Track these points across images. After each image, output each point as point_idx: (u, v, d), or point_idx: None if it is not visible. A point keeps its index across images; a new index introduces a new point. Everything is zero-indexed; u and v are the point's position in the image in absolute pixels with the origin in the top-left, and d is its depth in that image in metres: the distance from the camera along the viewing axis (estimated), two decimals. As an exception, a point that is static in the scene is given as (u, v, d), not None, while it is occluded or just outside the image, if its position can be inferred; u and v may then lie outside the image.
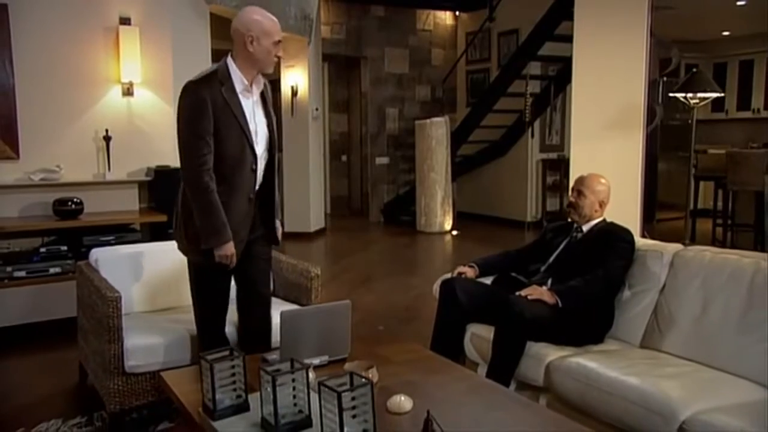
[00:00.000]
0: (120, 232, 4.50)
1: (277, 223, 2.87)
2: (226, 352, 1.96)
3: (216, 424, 1.89)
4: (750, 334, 2.49)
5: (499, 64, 9.27)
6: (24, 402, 3.26)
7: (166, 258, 3.23)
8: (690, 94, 4.70)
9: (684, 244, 3.06)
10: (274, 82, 6.70)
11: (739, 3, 7.25)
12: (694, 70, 5.62)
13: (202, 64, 5.02)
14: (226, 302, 2.81)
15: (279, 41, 2.58)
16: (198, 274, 2.73)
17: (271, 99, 2.78)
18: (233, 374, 1.94)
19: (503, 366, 2.78)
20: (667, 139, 7.27)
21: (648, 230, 4.58)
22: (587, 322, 2.88)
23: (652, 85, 4.74)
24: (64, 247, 4.31)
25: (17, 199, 4.37)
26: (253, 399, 1.94)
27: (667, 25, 6.62)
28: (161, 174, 4.64)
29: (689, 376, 2.42)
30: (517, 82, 8.51)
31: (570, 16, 4.77)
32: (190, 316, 2.84)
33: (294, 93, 8.08)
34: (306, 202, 8.15)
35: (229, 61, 2.57)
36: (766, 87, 9.04)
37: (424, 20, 9.92)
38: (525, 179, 8.83)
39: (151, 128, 4.82)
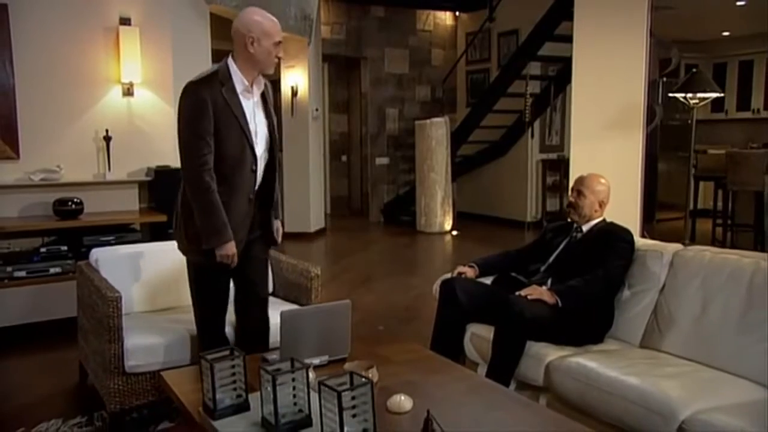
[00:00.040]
0: (120, 232, 4.50)
1: (278, 223, 2.88)
2: (227, 352, 1.96)
3: (216, 424, 1.89)
4: (750, 333, 2.49)
5: (499, 65, 9.27)
6: (24, 402, 3.26)
7: (166, 258, 3.24)
8: (690, 94, 4.70)
9: (684, 244, 3.06)
10: (274, 83, 6.69)
11: (738, 3, 7.26)
12: (694, 70, 5.62)
13: (202, 64, 5.02)
14: (226, 302, 2.81)
15: (279, 42, 2.59)
16: (197, 274, 2.73)
17: (272, 99, 2.78)
18: (233, 374, 1.94)
19: (503, 366, 2.78)
20: (666, 139, 7.27)
21: (648, 230, 4.59)
22: (587, 322, 2.88)
23: (651, 86, 4.74)
24: (65, 247, 4.31)
25: (17, 199, 4.38)
26: (254, 398, 1.94)
27: (666, 25, 6.62)
28: (161, 174, 4.64)
29: (689, 376, 2.43)
30: (517, 83, 8.51)
31: (570, 17, 4.77)
32: (190, 316, 2.84)
33: (294, 93, 8.08)
34: (306, 202, 8.15)
35: (230, 61, 2.57)
36: (766, 87, 9.04)
37: (424, 20, 9.92)
38: (525, 179, 8.83)
39: (151, 128, 4.83)
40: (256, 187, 2.68)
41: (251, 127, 2.59)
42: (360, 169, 9.98)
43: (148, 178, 4.78)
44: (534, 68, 8.59)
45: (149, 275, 3.32)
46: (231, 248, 2.57)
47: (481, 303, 3.04)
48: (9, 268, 4.12)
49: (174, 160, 4.51)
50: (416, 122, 8.74)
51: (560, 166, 8.65)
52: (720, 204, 7.19)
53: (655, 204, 6.78)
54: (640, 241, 3.11)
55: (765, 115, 9.05)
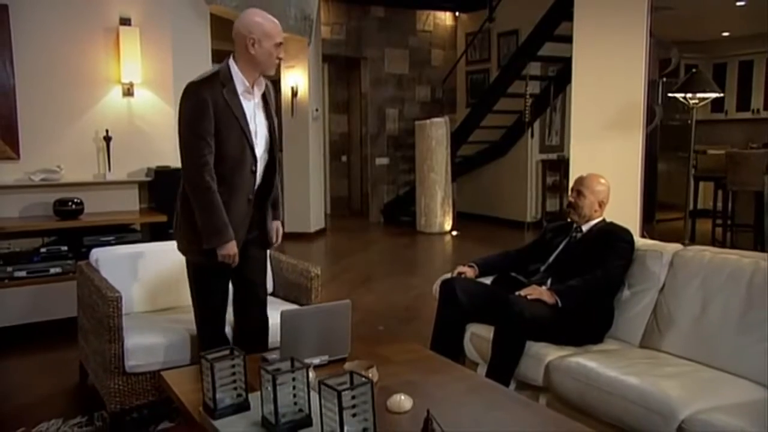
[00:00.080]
0: (120, 233, 4.50)
1: (278, 224, 2.88)
2: (227, 352, 1.96)
3: (216, 423, 1.90)
4: (749, 333, 2.49)
5: (499, 65, 9.27)
6: (24, 402, 3.26)
7: (166, 258, 3.24)
8: (689, 95, 4.70)
9: (683, 244, 3.06)
10: (274, 83, 6.69)
11: (738, 3, 7.26)
12: (694, 70, 5.62)
13: (202, 64, 5.02)
14: (225, 302, 2.82)
15: (280, 43, 2.59)
16: (197, 275, 2.74)
17: (274, 101, 2.78)
18: (233, 373, 1.94)
19: (503, 366, 2.78)
20: (666, 139, 7.26)
21: (648, 230, 4.59)
22: (587, 321, 2.88)
23: (651, 86, 4.74)
24: (65, 247, 4.32)
25: (18, 199, 4.38)
26: (254, 398, 1.94)
27: (666, 26, 6.62)
28: (161, 174, 4.65)
29: (689, 376, 2.43)
30: (517, 83, 8.52)
31: (570, 17, 4.77)
32: (190, 316, 2.84)
33: (294, 93, 8.09)
34: (306, 203, 8.16)
35: (231, 62, 2.58)
36: (766, 87, 9.04)
37: (424, 21, 9.93)
38: (525, 180, 8.84)
39: (151, 128, 4.83)
40: (256, 188, 2.69)
41: (251, 127, 2.60)
42: (360, 170, 9.99)
43: (149, 179, 4.78)
44: (534, 68, 8.59)
45: (149, 275, 3.32)
46: (232, 248, 2.58)
47: (481, 303, 3.05)
48: (9, 268, 4.12)
49: (174, 161, 4.51)
50: (416, 122, 8.75)
51: (560, 166, 8.65)
52: (720, 204, 7.19)
53: (655, 204, 6.78)
54: (639, 241, 3.12)
55: (765, 115, 9.05)
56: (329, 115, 9.98)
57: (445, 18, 10.15)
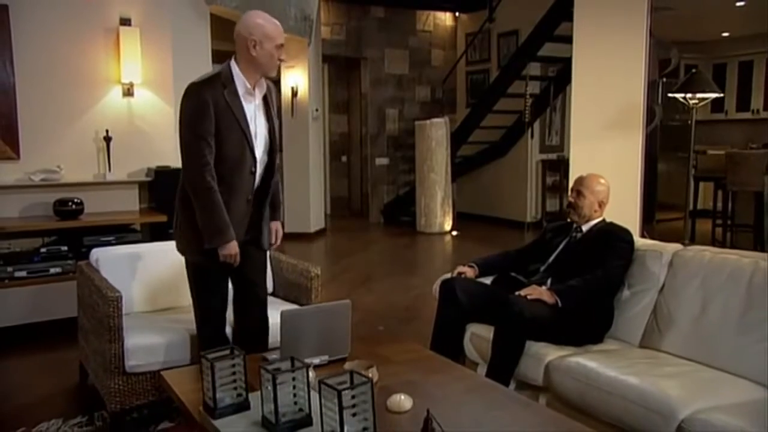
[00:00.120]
0: (120, 233, 4.51)
1: (278, 224, 2.88)
2: (227, 351, 1.97)
3: (217, 423, 1.90)
4: (749, 333, 2.49)
5: (499, 65, 9.28)
6: (25, 402, 3.27)
7: (166, 258, 3.24)
8: (689, 95, 4.70)
9: (683, 244, 3.07)
10: (275, 83, 6.70)
11: (738, 4, 7.26)
12: (694, 70, 5.62)
13: (202, 64, 5.03)
14: (225, 302, 2.82)
15: (282, 45, 2.60)
16: (196, 275, 2.74)
17: (276, 102, 2.79)
18: (234, 373, 1.94)
19: (503, 365, 2.78)
20: (666, 139, 7.27)
21: (647, 230, 4.59)
22: (587, 321, 2.89)
23: (651, 86, 4.74)
24: (65, 248, 4.32)
25: (18, 199, 4.38)
26: (254, 398, 1.94)
27: (666, 26, 6.62)
28: (161, 174, 4.65)
29: (688, 376, 2.43)
30: (517, 83, 8.52)
31: (570, 17, 4.77)
32: (190, 316, 2.85)
33: (294, 94, 8.09)
34: (306, 203, 8.16)
35: (233, 64, 2.59)
36: (766, 88, 9.04)
37: (423, 21, 9.93)
38: (525, 180, 8.84)
39: (151, 129, 4.83)
40: (255, 189, 2.70)
41: (251, 129, 2.61)
42: (360, 170, 9.99)
43: (149, 179, 4.78)
44: (534, 69, 8.60)
45: (149, 275, 3.33)
46: (234, 248, 2.59)
47: (480, 303, 3.05)
48: (9, 268, 4.12)
49: (174, 161, 4.52)
50: (416, 123, 8.75)
51: (560, 166, 8.66)
52: (720, 204, 7.19)
53: (655, 204, 6.78)
54: (639, 241, 3.12)
55: (765, 115, 9.05)
56: (329, 115, 9.98)
57: (445, 18, 10.15)
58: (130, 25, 4.67)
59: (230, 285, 2.84)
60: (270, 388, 1.79)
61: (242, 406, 1.95)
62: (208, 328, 2.79)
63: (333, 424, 1.62)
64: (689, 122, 4.88)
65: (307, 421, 1.84)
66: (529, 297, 2.83)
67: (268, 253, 3.00)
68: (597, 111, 4.49)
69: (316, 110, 8.31)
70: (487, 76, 9.64)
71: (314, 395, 1.78)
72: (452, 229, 8.58)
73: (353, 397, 1.62)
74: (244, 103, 2.58)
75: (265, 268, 2.98)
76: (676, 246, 2.98)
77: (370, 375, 2.01)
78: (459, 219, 8.86)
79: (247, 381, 1.96)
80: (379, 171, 9.79)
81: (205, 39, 5.31)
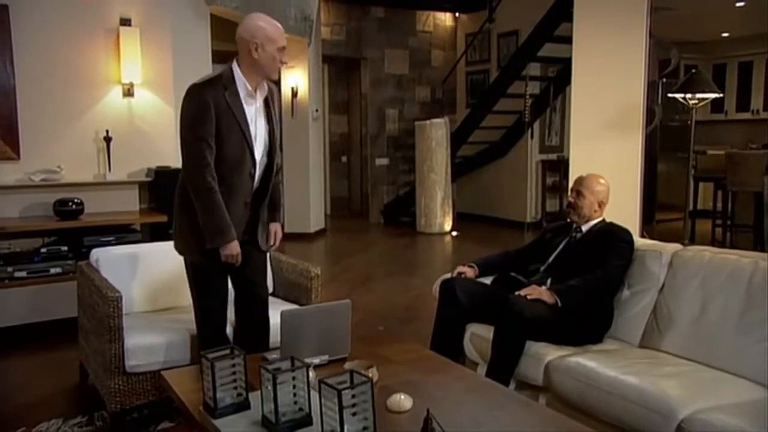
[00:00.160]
0: (120, 233, 4.51)
1: (276, 226, 2.88)
2: (227, 351, 1.97)
3: (217, 423, 1.90)
4: (749, 333, 2.49)
5: (499, 65, 9.28)
6: (25, 402, 3.27)
7: (166, 258, 3.23)
8: (689, 95, 4.70)
9: (683, 244, 3.07)
10: (275, 84, 6.70)
11: (738, 4, 7.26)
12: (693, 70, 5.63)
13: (202, 65, 5.04)
14: (225, 302, 2.83)
15: (283, 47, 2.61)
16: (196, 275, 2.75)
17: (278, 105, 2.79)
18: (234, 373, 1.95)
19: (503, 365, 2.78)
20: (666, 139, 7.27)
21: (647, 231, 4.59)
22: (586, 321, 2.89)
23: (651, 86, 4.74)
24: (65, 248, 4.32)
25: (18, 199, 4.38)
26: (254, 397, 1.94)
27: (666, 26, 6.63)
28: (162, 174, 4.65)
29: (688, 376, 2.43)
30: (517, 83, 8.52)
31: (569, 18, 4.78)
32: (191, 316, 2.85)
33: (294, 94, 8.09)
34: (306, 203, 8.16)
35: (234, 66, 2.59)
36: (766, 88, 9.04)
37: (423, 21, 9.93)
38: (525, 180, 8.84)
39: (151, 129, 4.83)
40: (253, 191, 2.70)
41: (252, 131, 2.62)
42: (360, 170, 9.99)
43: (149, 179, 4.78)
44: (534, 69, 8.59)
45: (150, 275, 3.33)
46: (235, 248, 2.59)
47: (480, 303, 3.05)
48: (10, 269, 4.12)
49: (174, 161, 4.52)
50: (416, 123, 8.75)
51: (560, 166, 8.66)
52: (719, 205, 7.19)
53: (655, 204, 6.78)
54: (639, 241, 3.12)
55: (764, 115, 9.05)
56: (329, 115, 9.98)
57: (445, 18, 10.15)
58: (130, 25, 4.67)
59: (231, 285, 2.84)
60: (270, 387, 1.79)
61: (242, 406, 1.95)
62: (208, 328, 2.80)
63: (333, 423, 1.62)
64: (689, 122, 4.89)
65: (307, 420, 1.84)
66: (528, 297, 2.83)
67: (268, 253, 3.00)
68: (597, 111, 4.50)
69: (316, 110, 8.31)
70: (487, 76, 9.64)
71: (314, 395, 1.79)
72: (452, 230, 8.58)
73: (353, 396, 1.63)
74: (244, 105, 2.59)
75: (266, 268, 2.98)
76: (675, 246, 2.98)
77: (370, 375, 2.01)
78: (459, 219, 8.86)
79: (247, 381, 1.97)
80: (379, 171, 9.79)
81: (205, 39, 5.31)
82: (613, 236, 3.02)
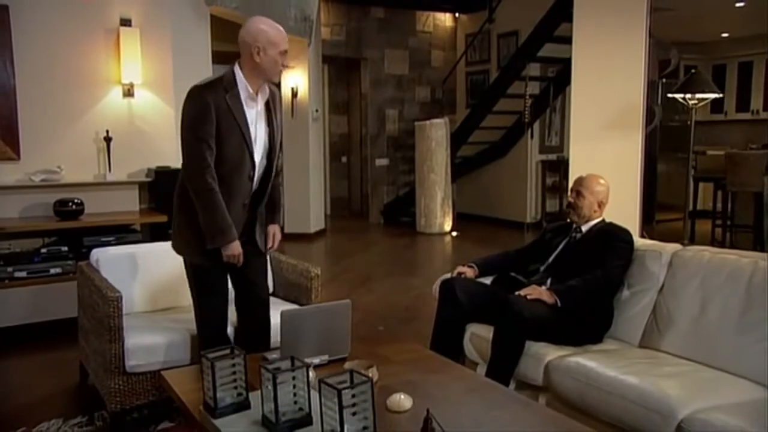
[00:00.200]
0: (121, 233, 4.51)
1: (275, 228, 2.88)
2: (227, 351, 1.97)
3: (217, 422, 1.90)
4: (749, 333, 2.49)
5: (499, 66, 9.28)
6: (25, 402, 3.27)
7: (166, 258, 3.22)
8: (689, 95, 4.71)
9: (683, 244, 3.07)
10: (276, 86, 6.69)
11: (738, 4, 7.27)
12: (693, 71, 5.63)
13: (202, 65, 5.04)
14: (226, 302, 2.82)
15: (285, 51, 2.61)
16: (196, 275, 2.75)
17: (280, 108, 2.79)
18: (234, 372, 1.95)
19: (503, 365, 2.78)
20: (666, 140, 7.27)
21: (647, 231, 4.60)
22: (586, 321, 2.89)
23: (651, 86, 4.75)
24: (65, 248, 4.32)
25: (18, 199, 4.38)
26: (254, 397, 1.95)
27: (666, 27, 6.63)
28: (162, 175, 4.65)
29: (688, 376, 2.43)
30: (517, 84, 8.52)
31: (569, 18, 4.78)
32: (191, 316, 2.85)
33: (294, 94, 8.09)
34: (306, 203, 8.16)
35: (236, 69, 2.60)
36: (765, 88, 9.05)
37: (423, 22, 9.93)
38: (524, 180, 8.84)
39: (151, 129, 4.83)
40: (252, 193, 2.71)
41: (252, 133, 2.62)
42: (360, 170, 9.99)
43: (149, 179, 4.79)
44: (534, 69, 8.59)
45: (150, 275, 3.33)
46: (237, 248, 2.60)
47: (480, 303, 3.05)
48: (10, 269, 4.12)
49: (174, 161, 4.53)
50: (416, 123, 8.75)
51: (560, 166, 8.66)
52: (719, 205, 7.19)
53: (655, 205, 6.79)
54: (639, 241, 3.12)
55: (764, 116, 9.06)
56: (329, 115, 9.98)
57: (445, 19, 10.15)
58: (130, 25, 4.68)
59: (231, 285, 2.84)
60: (270, 387, 1.79)
61: (242, 406, 1.96)
62: (209, 329, 2.80)
63: (333, 423, 1.63)
64: (689, 123, 4.89)
65: (307, 420, 1.84)
66: (528, 297, 2.83)
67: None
68: (597, 111, 4.50)
69: (316, 111, 8.31)
70: (486, 76, 9.64)
71: (314, 394, 1.79)
72: (452, 230, 8.58)
73: (353, 396, 1.63)
74: (245, 108, 2.60)
75: (266, 268, 2.99)
76: (675, 246, 2.99)
77: (370, 375, 2.01)
78: (459, 219, 8.86)
79: (247, 380, 1.97)
80: (379, 171, 9.79)
81: (205, 40, 5.31)
82: (612, 236, 3.03)
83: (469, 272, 3.26)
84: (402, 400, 1.99)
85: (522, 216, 8.87)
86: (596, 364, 2.52)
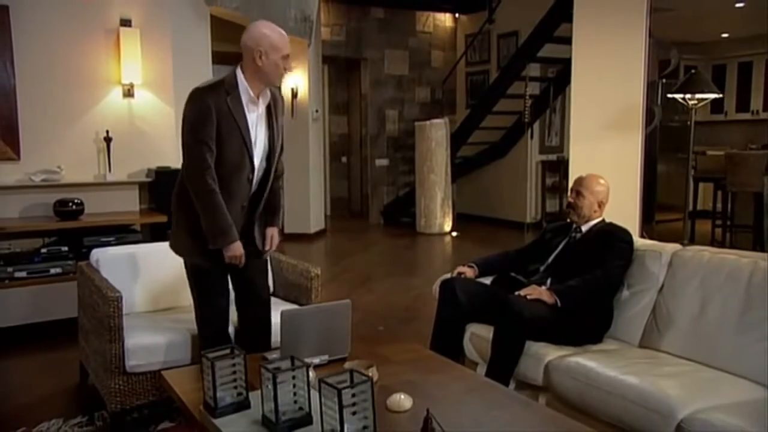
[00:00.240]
0: (121, 233, 4.51)
1: (273, 230, 2.87)
2: (227, 351, 1.97)
3: (217, 422, 1.90)
4: (748, 333, 2.49)
5: (499, 66, 9.29)
6: (25, 402, 3.27)
7: (166, 258, 3.21)
8: (689, 95, 4.71)
9: (682, 244, 3.07)
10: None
11: (738, 5, 7.27)
12: (693, 71, 5.63)
13: (202, 65, 5.04)
14: (226, 302, 2.82)
15: (287, 55, 2.61)
16: (196, 276, 2.75)
17: (282, 112, 2.79)
18: (234, 372, 1.95)
19: (503, 365, 2.79)
20: (666, 140, 7.27)
21: (647, 231, 4.60)
22: (586, 321, 2.89)
23: (651, 87, 4.75)
24: (65, 248, 4.32)
25: (18, 199, 4.39)
26: (254, 397, 1.95)
27: (666, 27, 6.63)
28: (162, 175, 4.65)
29: (688, 376, 2.43)
30: (517, 84, 8.52)
31: (569, 18, 4.78)
32: (191, 316, 2.85)
33: (294, 95, 8.10)
34: (306, 204, 8.16)
35: (238, 72, 2.60)
36: (765, 88, 9.05)
37: (423, 22, 9.94)
38: (524, 180, 8.84)
39: (151, 129, 4.84)
40: (250, 196, 2.71)
41: (252, 136, 2.62)
42: (360, 171, 9.99)
43: (149, 179, 4.79)
44: (533, 70, 8.59)
45: (150, 275, 3.33)
46: (238, 248, 2.61)
47: (480, 303, 3.05)
48: (10, 269, 4.13)
49: (174, 161, 4.52)
50: (416, 123, 8.75)
51: (560, 167, 8.66)
52: (719, 205, 7.20)
53: (655, 205, 6.79)
54: (639, 241, 3.12)
55: (764, 116, 9.06)
56: (329, 116, 9.99)
57: (445, 19, 10.16)
58: (130, 26, 4.68)
59: (231, 286, 2.84)
60: (270, 387, 1.79)
61: (242, 405, 1.96)
62: (209, 329, 2.80)
63: (333, 422, 1.63)
64: (689, 123, 4.89)
65: (307, 419, 1.84)
66: (528, 297, 2.83)
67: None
68: (596, 112, 4.50)
69: (316, 111, 8.32)
70: (486, 77, 9.64)
71: (314, 394, 1.79)
72: (452, 230, 8.58)
73: (353, 395, 1.63)
74: (246, 111, 2.60)
75: (266, 268, 2.99)
76: (675, 246, 2.99)
77: (370, 374, 2.01)
78: (459, 220, 8.86)
79: (247, 380, 1.97)
80: (379, 172, 9.79)
81: (205, 40, 5.31)
82: (612, 236, 3.03)
83: (469, 272, 3.26)
84: (402, 400, 2.00)
85: (522, 216, 8.87)
86: (596, 364, 2.52)
